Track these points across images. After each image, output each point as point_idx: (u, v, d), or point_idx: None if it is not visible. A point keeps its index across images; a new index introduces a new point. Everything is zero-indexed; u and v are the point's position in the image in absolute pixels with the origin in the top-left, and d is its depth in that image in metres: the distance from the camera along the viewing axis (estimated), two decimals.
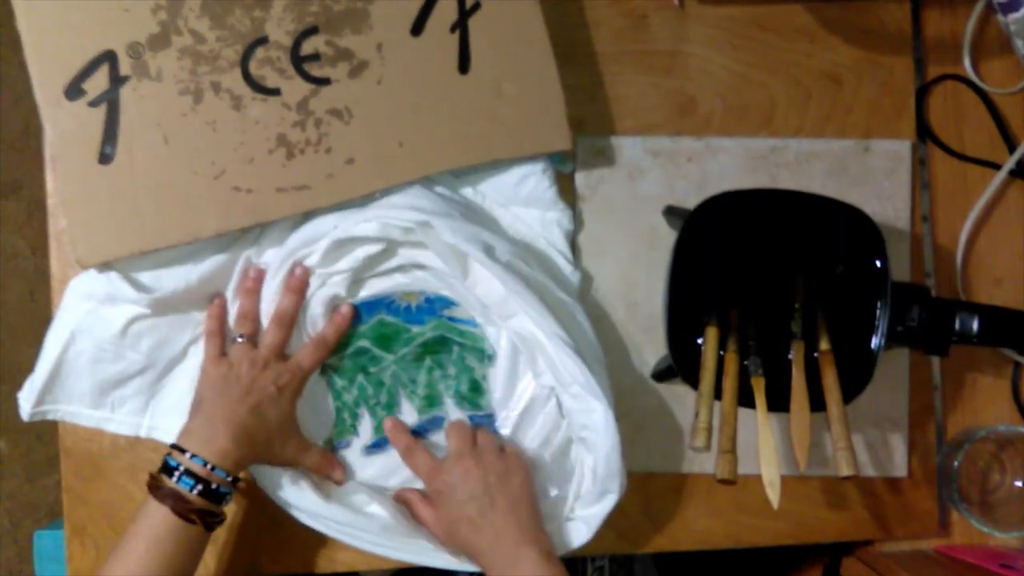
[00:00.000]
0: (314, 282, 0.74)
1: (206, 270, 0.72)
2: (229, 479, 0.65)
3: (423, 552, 0.72)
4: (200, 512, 0.64)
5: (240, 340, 0.72)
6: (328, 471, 0.74)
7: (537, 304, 0.70)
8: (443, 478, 0.70)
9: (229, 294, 0.74)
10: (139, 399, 0.75)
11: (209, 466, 0.64)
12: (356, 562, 0.78)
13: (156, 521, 0.63)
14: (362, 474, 0.76)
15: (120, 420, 0.75)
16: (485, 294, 0.72)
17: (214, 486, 0.64)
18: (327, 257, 0.72)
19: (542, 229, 0.77)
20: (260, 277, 0.74)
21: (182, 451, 0.65)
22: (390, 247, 0.74)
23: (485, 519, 0.66)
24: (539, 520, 0.68)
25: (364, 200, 0.72)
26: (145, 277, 0.72)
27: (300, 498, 0.72)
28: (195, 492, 0.64)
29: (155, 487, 0.64)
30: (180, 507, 0.63)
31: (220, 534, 0.77)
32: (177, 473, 0.64)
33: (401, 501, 0.74)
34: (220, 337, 0.72)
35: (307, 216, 0.73)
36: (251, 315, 0.73)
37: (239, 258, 0.73)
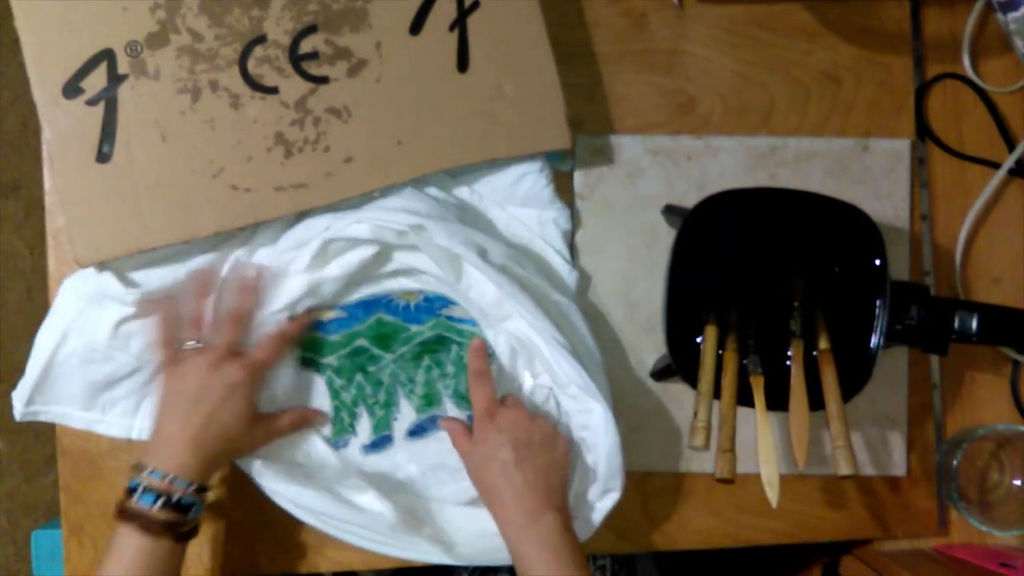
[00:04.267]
0: (300, 287, 0.72)
1: (194, 268, 0.72)
2: (192, 488, 0.65)
3: (424, 550, 0.72)
4: (164, 524, 0.63)
5: (191, 345, 0.70)
6: (308, 423, 0.74)
7: (532, 307, 0.70)
8: (493, 419, 0.69)
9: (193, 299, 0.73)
10: (130, 401, 0.74)
11: (169, 478, 0.64)
12: (354, 562, 0.78)
13: (126, 544, 0.63)
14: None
15: (111, 422, 0.74)
16: (479, 297, 0.71)
17: (176, 497, 0.64)
18: (317, 259, 0.72)
19: (539, 228, 0.77)
20: (206, 280, 0.72)
21: (143, 468, 0.65)
22: (385, 251, 0.73)
23: (518, 468, 0.66)
24: (567, 495, 0.69)
25: (360, 201, 0.72)
26: (136, 276, 0.72)
27: (301, 496, 0.71)
28: (157, 506, 0.63)
29: (121, 511, 0.64)
30: (143, 523, 0.63)
31: (219, 534, 0.77)
32: (137, 493, 0.64)
33: (446, 427, 0.74)
34: (170, 346, 0.70)
35: (300, 217, 0.73)
36: (198, 319, 0.71)
37: (228, 257, 0.73)
